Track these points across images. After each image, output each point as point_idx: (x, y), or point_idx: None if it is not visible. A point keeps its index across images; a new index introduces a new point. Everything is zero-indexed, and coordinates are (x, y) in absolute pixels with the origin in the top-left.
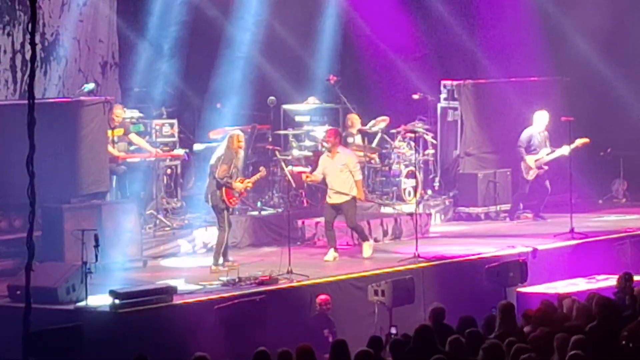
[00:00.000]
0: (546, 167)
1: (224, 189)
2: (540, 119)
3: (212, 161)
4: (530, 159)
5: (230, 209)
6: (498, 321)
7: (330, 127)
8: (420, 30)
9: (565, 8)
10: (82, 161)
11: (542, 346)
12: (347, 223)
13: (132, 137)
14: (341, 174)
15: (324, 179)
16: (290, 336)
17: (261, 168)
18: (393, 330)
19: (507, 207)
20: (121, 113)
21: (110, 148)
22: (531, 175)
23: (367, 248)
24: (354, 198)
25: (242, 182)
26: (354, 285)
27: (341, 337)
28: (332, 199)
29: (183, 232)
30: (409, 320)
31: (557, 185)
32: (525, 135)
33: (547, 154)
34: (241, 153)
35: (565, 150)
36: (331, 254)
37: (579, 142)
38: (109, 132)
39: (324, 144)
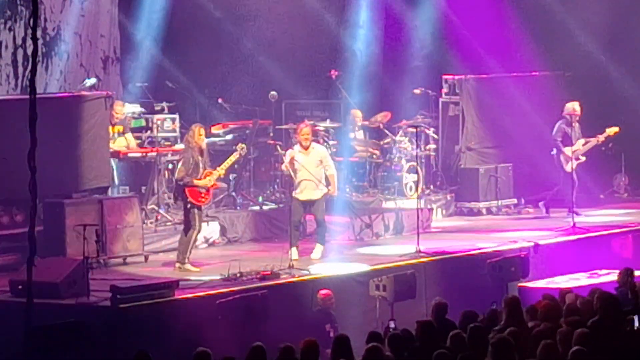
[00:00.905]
0: (583, 158)
1: (186, 189)
2: (573, 111)
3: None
4: (568, 151)
5: (202, 207)
6: (504, 316)
7: (303, 123)
8: (422, 24)
9: (567, 2)
10: (84, 156)
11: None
12: (316, 216)
13: (128, 136)
14: (317, 169)
15: (301, 176)
16: (292, 331)
17: (239, 145)
18: (392, 324)
19: (508, 201)
20: (121, 109)
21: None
22: (570, 167)
23: (319, 251)
24: (326, 193)
25: (209, 175)
26: (356, 280)
27: (343, 332)
28: (305, 194)
29: None
30: (410, 315)
31: (559, 180)
32: (558, 128)
33: (583, 145)
34: (204, 146)
35: (598, 139)
36: (295, 252)
37: (610, 131)
38: (109, 128)
39: (301, 140)
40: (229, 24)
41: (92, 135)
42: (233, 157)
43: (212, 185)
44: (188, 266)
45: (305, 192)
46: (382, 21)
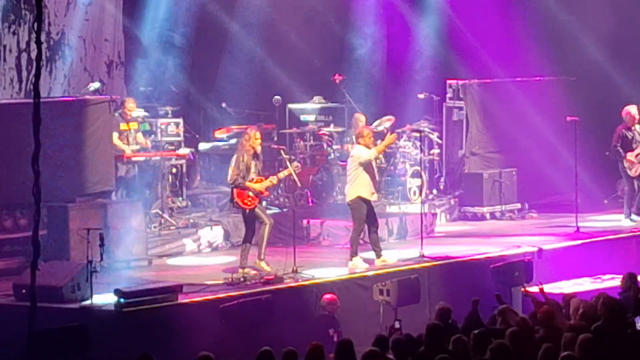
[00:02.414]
0: None
1: (235, 190)
2: (630, 115)
3: None
4: (630, 156)
5: (247, 211)
6: (499, 324)
7: (365, 126)
8: (427, 29)
9: (571, 7)
10: (88, 160)
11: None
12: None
13: (139, 136)
14: None
15: (371, 173)
16: (295, 335)
17: (294, 164)
18: (397, 324)
19: (512, 206)
20: (133, 106)
21: (115, 140)
22: (635, 172)
23: (388, 256)
24: None
25: (260, 182)
26: (359, 285)
27: (346, 337)
28: (375, 195)
29: (188, 231)
30: (414, 319)
31: (563, 185)
32: (618, 133)
33: None
34: (259, 150)
35: None
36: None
37: None
38: (124, 125)
39: (369, 143)
40: (233, 28)
41: (96, 139)
42: (286, 172)
43: (262, 192)
44: (263, 264)
45: (376, 194)
46: (386, 26)
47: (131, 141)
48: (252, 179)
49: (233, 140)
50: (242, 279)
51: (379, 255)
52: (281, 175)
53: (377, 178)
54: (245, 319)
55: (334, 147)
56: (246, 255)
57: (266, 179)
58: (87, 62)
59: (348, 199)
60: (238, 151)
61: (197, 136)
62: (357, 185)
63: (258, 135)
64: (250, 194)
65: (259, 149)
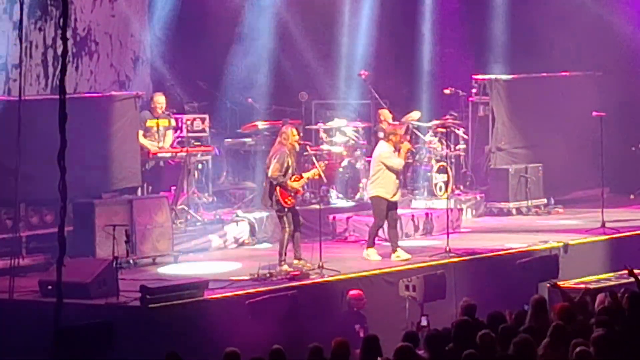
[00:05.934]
0: None
1: (278, 189)
2: None
3: (267, 161)
4: None
5: (286, 209)
6: (529, 316)
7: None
8: (452, 24)
9: (599, 2)
10: (114, 156)
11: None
12: (396, 217)
13: (168, 133)
14: None
15: (395, 175)
16: (321, 331)
17: (320, 163)
18: (424, 322)
19: (538, 202)
20: (163, 100)
21: (142, 139)
22: None
23: (402, 253)
24: None
25: (298, 180)
26: (385, 280)
27: (372, 333)
28: (398, 195)
29: (214, 227)
30: (440, 315)
31: (589, 181)
32: None
33: None
34: (297, 148)
35: None
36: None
37: None
38: (151, 122)
39: (397, 142)
40: (260, 24)
41: (122, 135)
42: (314, 171)
43: (299, 192)
44: (285, 267)
45: (398, 194)
46: (412, 21)
47: (158, 138)
48: (292, 176)
49: (259, 136)
50: (267, 275)
51: (394, 251)
52: (312, 174)
53: (401, 179)
54: (271, 315)
55: (360, 142)
56: (298, 245)
57: (301, 177)
58: (113, 58)
59: (368, 195)
60: (279, 149)
61: (223, 132)
62: (378, 185)
63: (295, 132)
64: (292, 192)
65: (297, 147)
